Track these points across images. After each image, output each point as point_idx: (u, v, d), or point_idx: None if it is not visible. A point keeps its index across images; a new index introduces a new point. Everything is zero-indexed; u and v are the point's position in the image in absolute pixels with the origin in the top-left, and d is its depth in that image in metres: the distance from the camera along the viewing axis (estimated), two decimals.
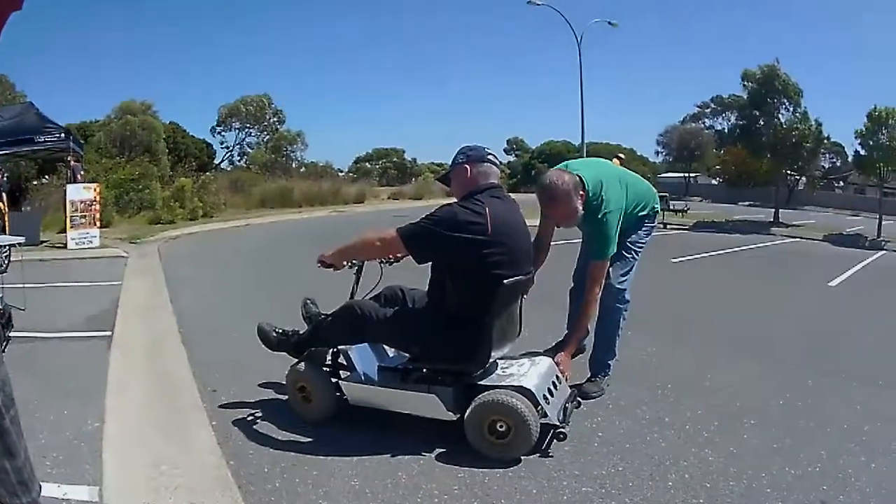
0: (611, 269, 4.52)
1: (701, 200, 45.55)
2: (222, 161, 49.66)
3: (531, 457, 3.52)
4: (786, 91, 27.46)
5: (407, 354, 3.93)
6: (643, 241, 4.77)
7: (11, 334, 6.04)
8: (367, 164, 69.07)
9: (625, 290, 4.66)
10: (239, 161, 49.56)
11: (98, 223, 15.23)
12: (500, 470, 3.39)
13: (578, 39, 29.32)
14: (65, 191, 15.32)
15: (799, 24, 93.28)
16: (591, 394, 4.48)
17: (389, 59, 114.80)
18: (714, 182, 60.94)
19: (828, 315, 8.95)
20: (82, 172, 16.49)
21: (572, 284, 5.12)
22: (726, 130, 41.06)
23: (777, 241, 21.50)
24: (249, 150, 49.75)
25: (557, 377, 3.92)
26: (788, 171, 32.28)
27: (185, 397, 4.60)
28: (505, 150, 74.41)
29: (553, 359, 4.15)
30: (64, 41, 79.20)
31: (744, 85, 28.82)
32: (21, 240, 8.62)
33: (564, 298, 5.20)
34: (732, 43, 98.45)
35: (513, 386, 3.59)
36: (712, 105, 56.19)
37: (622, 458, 3.57)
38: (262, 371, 4.89)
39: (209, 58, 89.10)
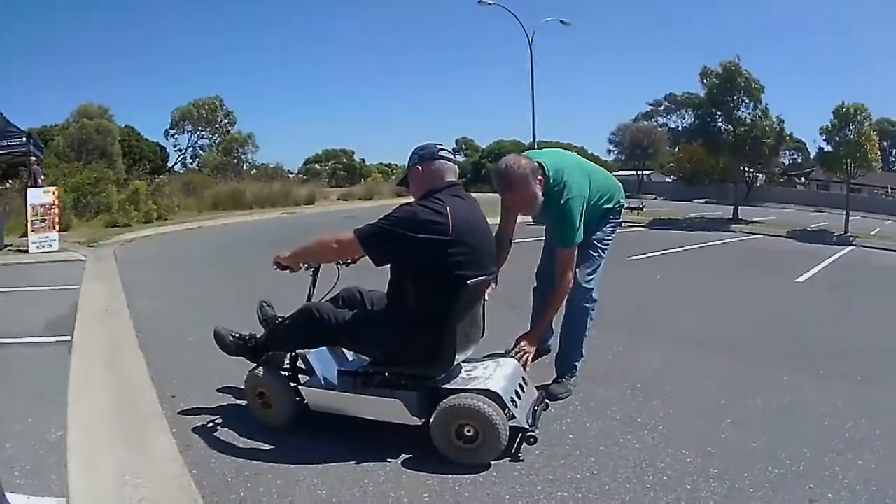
0: (577, 269, 4.29)
1: (655, 198, 45.29)
2: (175, 163, 49.53)
3: (502, 461, 3.38)
4: (747, 88, 27.26)
5: (367, 358, 3.78)
6: (609, 237, 4.55)
7: None
8: (316, 165, 69.05)
9: (592, 289, 4.44)
10: (191, 163, 49.43)
11: (57, 227, 14.72)
12: (471, 476, 3.25)
13: (529, 38, 29.14)
14: (25, 194, 14.90)
15: (755, 23, 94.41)
16: (559, 395, 4.34)
17: (337, 59, 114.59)
18: (668, 180, 61.03)
19: (797, 311, 8.84)
20: (42, 176, 16.08)
21: (535, 283, 4.92)
22: (680, 128, 41.22)
23: (738, 238, 21.30)
24: (202, 152, 49.69)
25: (524, 379, 3.76)
26: (747, 168, 32.14)
27: (145, 404, 4.41)
28: (454, 150, 72.24)
29: (515, 349, 4.08)
30: (23, 44, 76.96)
31: (703, 82, 28.72)
32: None
33: (519, 297, 5.06)
34: (686, 42, 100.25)
35: (479, 389, 3.43)
36: (665, 103, 59.21)
37: (596, 461, 3.43)
38: (221, 376, 4.70)
39: (163, 60, 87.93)
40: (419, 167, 3.65)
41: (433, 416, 3.41)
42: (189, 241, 17.05)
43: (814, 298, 10.13)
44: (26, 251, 13.86)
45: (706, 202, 43.59)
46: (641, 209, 27.70)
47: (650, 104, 62.99)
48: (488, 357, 4.01)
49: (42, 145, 19.14)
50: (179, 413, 4.20)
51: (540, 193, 4.04)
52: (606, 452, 3.57)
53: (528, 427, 3.47)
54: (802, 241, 22.24)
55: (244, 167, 46.94)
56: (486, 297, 3.89)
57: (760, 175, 36.96)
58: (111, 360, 5.59)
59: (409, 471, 3.35)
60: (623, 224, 17.18)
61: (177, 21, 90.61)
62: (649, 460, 3.45)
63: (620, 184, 4.77)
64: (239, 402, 4.30)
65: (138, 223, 20.83)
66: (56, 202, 14.92)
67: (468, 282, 3.41)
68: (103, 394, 4.70)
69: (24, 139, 14.62)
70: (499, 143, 63.00)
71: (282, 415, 3.88)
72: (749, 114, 27.81)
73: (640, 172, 61.55)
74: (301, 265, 3.91)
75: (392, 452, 3.51)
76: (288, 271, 3.88)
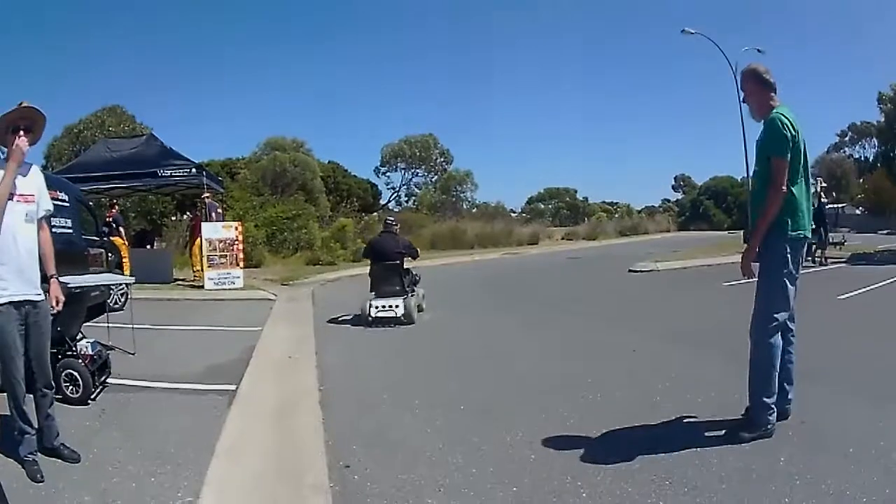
0: (760, 304, 4.80)
1: (848, 231, 44.44)
2: (389, 201, 52.68)
3: None
4: None
5: None
6: (789, 268, 4.77)
7: (111, 380, 5.96)
8: (539, 203, 74.58)
9: (774, 323, 4.75)
10: (406, 202, 52.26)
11: (241, 263, 15.66)
12: None
13: (733, 69, 29.26)
14: (197, 228, 16.29)
15: None
16: (745, 438, 4.62)
17: (555, 98, 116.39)
18: (857, 212, 62.75)
19: None
20: (218, 210, 17.17)
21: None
22: (862, 158, 46.03)
23: None
24: (417, 190, 52.77)
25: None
26: None
27: (309, 474, 4.11)
28: (672, 187, 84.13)
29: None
30: (213, 81, 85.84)
31: (880, 108, 27.58)
32: (131, 280, 8.67)
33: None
34: (863, 66, 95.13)
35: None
36: (850, 133, 62.55)
37: None
38: (414, 441, 4.48)
39: (369, 98, 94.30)
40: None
41: None
42: None
43: None
44: (201, 287, 14.82)
45: (888, 233, 44.79)
46: (843, 244, 26.21)
47: (838, 135, 66.32)
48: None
49: (220, 179, 20.46)
50: (350, 490, 3.87)
51: (762, 99, 4.93)
52: None
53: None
54: None
55: (463, 206, 49.88)
56: None
57: None
58: (280, 416, 5.40)
59: None
60: (829, 260, 18.87)
61: (382, 61, 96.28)
62: None
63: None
64: (425, 480, 3.96)
65: (345, 262, 22.02)
66: (239, 238, 15.86)
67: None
68: (259, 457, 4.44)
69: (193, 170, 15.58)
70: (715, 179, 67.55)
71: None
72: None
73: (835, 206, 62.70)
74: None
75: None
76: None
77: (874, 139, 32.65)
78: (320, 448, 4.54)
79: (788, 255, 4.74)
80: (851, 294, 12.77)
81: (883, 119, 28.75)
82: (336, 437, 4.72)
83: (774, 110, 4.80)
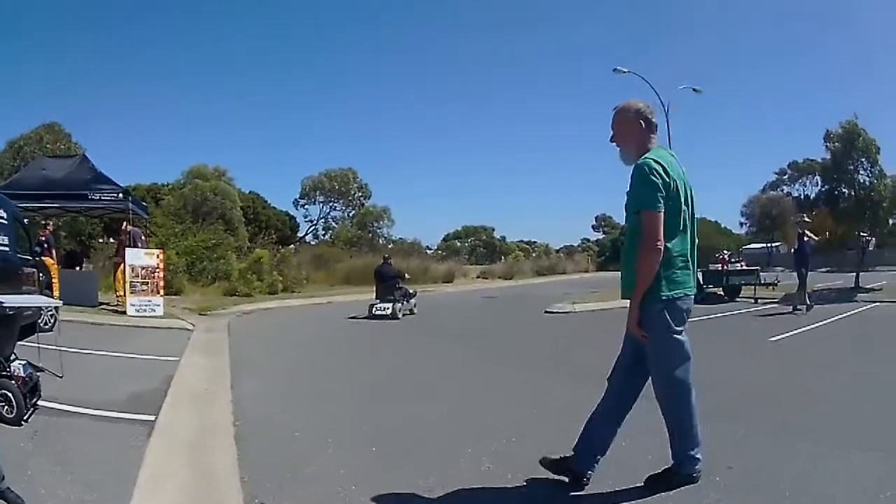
0: (655, 367, 4.46)
1: (783, 270, 45.42)
2: (306, 234, 52.59)
3: None
4: (865, 148, 27.34)
5: None
6: (672, 327, 4.36)
7: (40, 403, 5.98)
8: (456, 241, 74.03)
9: (672, 378, 4.43)
10: (324, 235, 52.19)
11: (162, 291, 15.55)
12: None
13: (665, 108, 29.02)
14: (122, 254, 16.08)
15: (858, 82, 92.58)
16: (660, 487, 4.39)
17: (476, 135, 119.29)
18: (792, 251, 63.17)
19: None
20: (143, 237, 17.18)
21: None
22: (803, 196, 41.76)
23: (862, 308, 20.22)
24: (335, 224, 52.81)
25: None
26: (863, 233, 32.13)
27: None
28: (593, 227, 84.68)
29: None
30: (143, 103, 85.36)
31: (826, 146, 28.66)
32: (59, 303, 8.65)
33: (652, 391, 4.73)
34: (806, 104, 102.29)
35: None
36: (789, 171, 64.16)
37: None
38: (327, 481, 4.50)
39: (290, 129, 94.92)
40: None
41: None
42: (315, 317, 17.41)
43: None
44: (123, 313, 14.63)
45: (826, 271, 45.70)
46: (776, 284, 26.52)
47: (776, 173, 68.01)
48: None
49: (145, 205, 20.66)
50: None
51: (641, 140, 4.46)
52: None
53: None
54: None
55: (380, 241, 49.70)
56: None
57: (871, 239, 37.14)
58: (196, 450, 5.45)
59: None
60: (759, 301, 20.58)
61: (305, 92, 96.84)
62: None
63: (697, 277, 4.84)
64: None
65: (261, 294, 22.05)
66: (160, 265, 15.81)
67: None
68: (177, 491, 4.49)
69: (120, 195, 15.60)
70: None
71: None
72: (867, 176, 28.07)
73: (768, 245, 63.83)
74: None
75: None
76: None
77: (817, 177, 33.22)
78: (236, 484, 4.58)
79: (669, 318, 4.33)
80: (784, 335, 12.93)
81: (829, 157, 29.13)
82: (251, 474, 4.76)
83: (644, 155, 4.34)
